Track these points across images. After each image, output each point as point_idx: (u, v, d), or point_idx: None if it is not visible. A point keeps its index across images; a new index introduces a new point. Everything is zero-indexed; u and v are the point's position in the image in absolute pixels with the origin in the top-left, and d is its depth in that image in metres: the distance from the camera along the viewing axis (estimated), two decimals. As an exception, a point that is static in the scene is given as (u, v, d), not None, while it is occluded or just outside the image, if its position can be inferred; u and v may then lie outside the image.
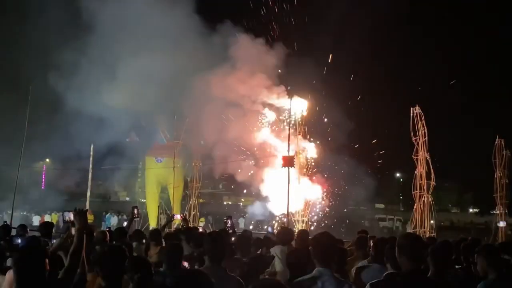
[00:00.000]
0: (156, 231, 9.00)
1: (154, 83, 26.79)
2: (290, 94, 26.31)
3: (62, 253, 5.71)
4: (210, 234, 5.90)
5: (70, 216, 5.50)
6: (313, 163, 29.00)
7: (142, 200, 37.07)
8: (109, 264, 4.34)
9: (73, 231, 5.48)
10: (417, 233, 25.26)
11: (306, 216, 27.91)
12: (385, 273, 4.76)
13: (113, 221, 35.26)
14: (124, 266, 4.41)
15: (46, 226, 8.57)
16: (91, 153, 33.12)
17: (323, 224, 29.11)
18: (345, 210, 31.36)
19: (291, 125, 25.35)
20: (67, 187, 52.88)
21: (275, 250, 7.52)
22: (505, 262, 5.59)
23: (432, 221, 26.67)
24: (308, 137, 28.82)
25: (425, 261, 4.93)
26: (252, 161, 28.38)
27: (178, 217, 11.34)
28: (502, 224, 9.27)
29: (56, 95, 27.34)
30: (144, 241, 8.71)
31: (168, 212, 32.09)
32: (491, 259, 5.23)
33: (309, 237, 8.98)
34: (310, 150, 28.73)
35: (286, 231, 8.63)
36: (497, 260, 5.26)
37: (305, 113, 27.92)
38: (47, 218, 33.99)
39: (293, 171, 23.13)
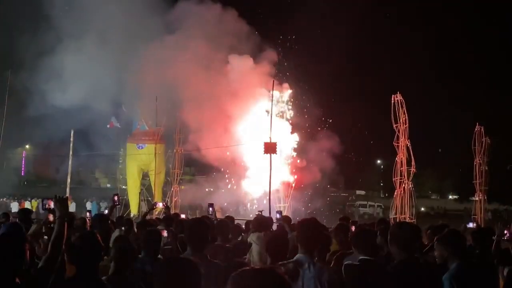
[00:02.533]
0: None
1: (132, 69, 26.71)
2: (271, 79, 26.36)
3: (41, 240, 5.66)
4: (192, 221, 5.86)
5: (50, 203, 5.43)
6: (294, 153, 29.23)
7: (123, 186, 36.90)
8: (80, 251, 4.28)
9: (51, 217, 5.42)
10: (397, 219, 25.49)
11: (287, 202, 28.10)
12: (360, 258, 4.75)
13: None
14: (98, 253, 4.36)
15: (25, 212, 8.48)
16: (72, 139, 32.82)
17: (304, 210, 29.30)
18: (309, 192, 31.29)
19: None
20: (47, 173, 52.60)
21: (252, 238, 7.53)
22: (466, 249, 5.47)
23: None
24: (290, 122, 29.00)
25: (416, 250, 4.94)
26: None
27: (160, 205, 11.32)
28: (471, 225, 9.03)
29: (35, 81, 27.08)
30: (123, 228, 8.69)
31: (149, 198, 32.00)
32: (454, 246, 4.94)
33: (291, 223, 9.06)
34: (292, 136, 28.91)
35: (263, 218, 8.65)
36: (459, 248, 4.98)
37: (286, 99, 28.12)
38: (27, 204, 33.63)
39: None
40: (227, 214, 12.36)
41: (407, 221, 20.63)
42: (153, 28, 27.37)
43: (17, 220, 7.43)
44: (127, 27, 27.37)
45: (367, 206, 53.79)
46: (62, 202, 4.70)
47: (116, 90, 27.79)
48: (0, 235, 5.15)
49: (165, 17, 27.63)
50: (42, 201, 5.79)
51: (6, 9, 28.15)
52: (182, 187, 32.35)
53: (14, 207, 33.60)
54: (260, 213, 10.18)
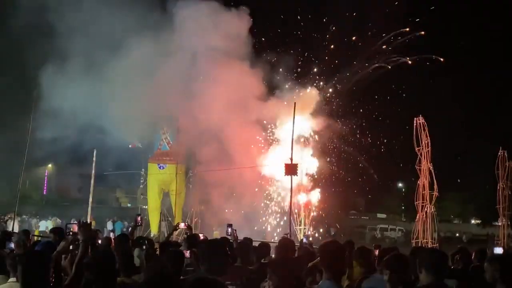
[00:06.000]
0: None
1: (157, 87, 26.91)
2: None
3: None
4: (209, 243, 5.79)
5: (74, 228, 5.62)
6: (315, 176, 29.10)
7: (144, 206, 37.03)
8: (96, 270, 4.34)
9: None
10: (420, 244, 25.19)
11: (307, 225, 27.96)
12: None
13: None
14: (114, 271, 4.41)
15: (60, 231, 8.56)
16: (94, 158, 33.07)
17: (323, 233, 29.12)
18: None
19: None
20: (68, 192, 53.03)
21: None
22: None
23: (457, 234, 26.50)
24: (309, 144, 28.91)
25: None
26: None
27: (182, 225, 11.35)
28: (498, 250, 9.03)
29: (60, 100, 27.36)
30: (144, 247, 8.70)
31: (169, 219, 32.03)
32: (505, 271, 4.88)
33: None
34: (313, 161, 28.77)
35: (286, 242, 8.56)
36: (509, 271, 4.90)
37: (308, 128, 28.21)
38: (48, 223, 33.86)
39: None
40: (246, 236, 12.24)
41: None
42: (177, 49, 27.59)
43: (52, 239, 7.50)
44: (147, 45, 27.60)
45: (388, 229, 53.31)
46: (85, 227, 5.01)
47: (139, 110, 28.00)
48: (30, 251, 5.29)
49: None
50: (66, 225, 6.03)
51: (28, 29, 28.59)
52: (202, 207, 32.35)
53: (42, 226, 33.88)
54: (287, 236, 10.14)
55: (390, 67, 32.30)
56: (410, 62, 32.96)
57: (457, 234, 53.98)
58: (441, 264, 4.54)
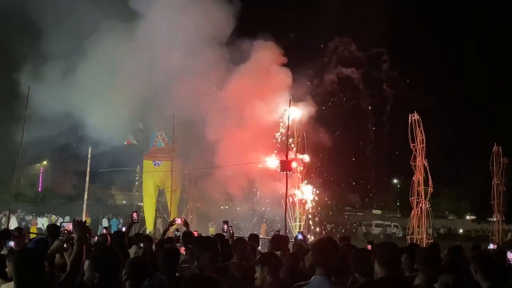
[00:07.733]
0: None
1: (151, 83, 26.85)
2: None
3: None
4: (200, 240, 5.83)
5: (69, 226, 5.62)
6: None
7: (140, 203, 36.98)
8: (101, 267, 4.35)
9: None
10: (414, 240, 25.25)
11: (302, 221, 27.95)
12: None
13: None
14: (115, 268, 4.42)
15: (54, 229, 8.52)
16: (89, 156, 33.00)
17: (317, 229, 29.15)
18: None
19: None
20: (64, 189, 52.87)
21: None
22: (499, 270, 5.55)
23: (460, 230, 26.50)
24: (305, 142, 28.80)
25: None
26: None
27: (178, 221, 11.35)
28: (492, 246, 9.17)
29: (54, 98, 27.28)
30: (142, 244, 8.70)
31: (165, 215, 32.00)
32: (484, 267, 5.14)
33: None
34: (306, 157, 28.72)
35: (279, 237, 8.57)
36: (490, 268, 5.16)
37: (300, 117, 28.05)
38: (44, 220, 33.81)
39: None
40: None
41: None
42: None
43: (47, 236, 7.49)
44: (145, 43, 27.48)
45: (384, 225, 53.46)
46: (80, 226, 4.98)
47: (134, 107, 27.94)
48: (24, 249, 5.30)
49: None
50: (61, 224, 6.04)
51: (23, 20, 28.40)
52: (198, 204, 32.35)
53: (39, 223, 33.90)
54: (278, 232, 10.14)
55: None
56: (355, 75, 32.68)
57: (461, 230, 54.50)
58: (393, 257, 4.56)
